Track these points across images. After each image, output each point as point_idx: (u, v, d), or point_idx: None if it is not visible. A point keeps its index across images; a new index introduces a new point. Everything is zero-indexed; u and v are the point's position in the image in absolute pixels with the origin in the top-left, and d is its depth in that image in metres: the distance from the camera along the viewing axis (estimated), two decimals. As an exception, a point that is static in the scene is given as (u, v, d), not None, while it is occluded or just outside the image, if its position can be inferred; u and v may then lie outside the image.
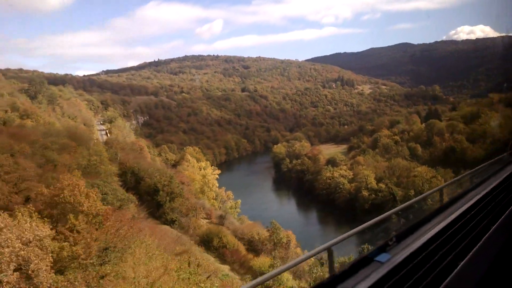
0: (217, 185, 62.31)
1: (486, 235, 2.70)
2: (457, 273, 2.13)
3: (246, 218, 47.91)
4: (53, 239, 12.25)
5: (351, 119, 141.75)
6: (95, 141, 46.26)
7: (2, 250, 9.02)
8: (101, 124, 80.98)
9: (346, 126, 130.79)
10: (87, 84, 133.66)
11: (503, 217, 3.04)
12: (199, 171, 63.52)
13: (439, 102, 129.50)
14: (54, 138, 37.68)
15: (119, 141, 50.35)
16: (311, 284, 22.07)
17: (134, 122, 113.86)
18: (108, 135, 69.32)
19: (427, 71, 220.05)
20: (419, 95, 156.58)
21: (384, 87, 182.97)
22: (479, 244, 2.54)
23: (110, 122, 76.87)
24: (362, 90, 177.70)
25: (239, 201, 55.55)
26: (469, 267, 2.27)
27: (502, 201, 3.29)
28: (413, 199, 5.91)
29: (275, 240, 32.24)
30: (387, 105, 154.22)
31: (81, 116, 71.42)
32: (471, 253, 2.39)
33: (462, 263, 2.25)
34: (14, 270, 9.50)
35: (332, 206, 61.99)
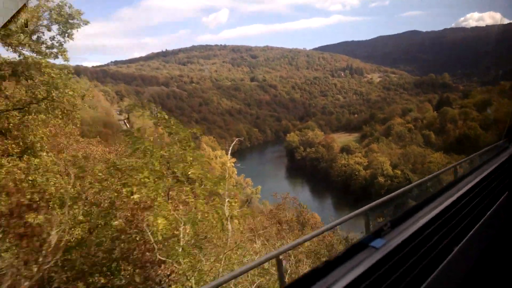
0: (236, 172, 64.29)
1: (481, 220, 2.68)
2: (452, 257, 2.16)
3: (267, 202, 49.86)
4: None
5: (361, 108, 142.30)
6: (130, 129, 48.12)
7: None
8: (118, 114, 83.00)
9: (356, 115, 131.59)
10: (100, 75, 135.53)
11: (497, 202, 3.05)
12: (216, 160, 65.42)
13: (448, 90, 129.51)
14: (89, 127, 39.69)
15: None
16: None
17: (148, 112, 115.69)
18: (127, 125, 71.29)
19: (436, 59, 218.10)
20: (428, 83, 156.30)
21: (393, 75, 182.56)
22: (474, 229, 2.52)
23: (130, 112, 78.76)
24: (371, 78, 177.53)
25: (259, 187, 57.47)
26: (464, 252, 2.31)
27: (497, 187, 3.29)
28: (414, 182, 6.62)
29: (303, 220, 34.04)
30: (396, 94, 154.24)
31: (101, 106, 73.37)
32: (466, 238, 2.39)
33: (457, 248, 2.26)
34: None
35: (347, 193, 63.79)
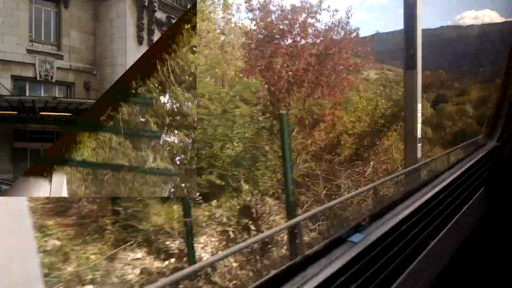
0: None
1: (457, 215, 2.75)
2: (428, 252, 2.20)
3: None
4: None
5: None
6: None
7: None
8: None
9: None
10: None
11: (474, 197, 3.11)
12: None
13: (444, 87, 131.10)
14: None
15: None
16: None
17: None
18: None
19: (432, 57, 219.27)
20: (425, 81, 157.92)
21: (390, 72, 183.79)
22: (450, 224, 2.60)
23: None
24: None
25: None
26: (440, 246, 2.36)
27: (474, 182, 3.34)
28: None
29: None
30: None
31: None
32: (442, 233, 2.45)
33: (433, 242, 2.30)
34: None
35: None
